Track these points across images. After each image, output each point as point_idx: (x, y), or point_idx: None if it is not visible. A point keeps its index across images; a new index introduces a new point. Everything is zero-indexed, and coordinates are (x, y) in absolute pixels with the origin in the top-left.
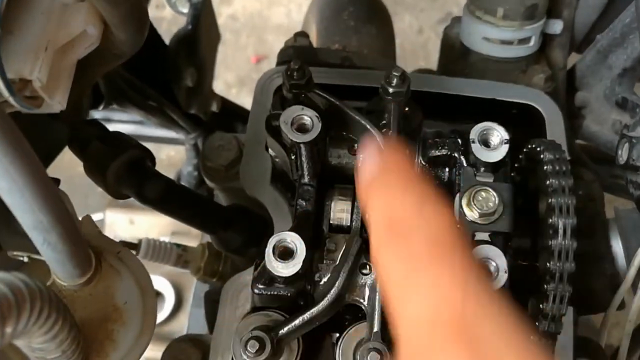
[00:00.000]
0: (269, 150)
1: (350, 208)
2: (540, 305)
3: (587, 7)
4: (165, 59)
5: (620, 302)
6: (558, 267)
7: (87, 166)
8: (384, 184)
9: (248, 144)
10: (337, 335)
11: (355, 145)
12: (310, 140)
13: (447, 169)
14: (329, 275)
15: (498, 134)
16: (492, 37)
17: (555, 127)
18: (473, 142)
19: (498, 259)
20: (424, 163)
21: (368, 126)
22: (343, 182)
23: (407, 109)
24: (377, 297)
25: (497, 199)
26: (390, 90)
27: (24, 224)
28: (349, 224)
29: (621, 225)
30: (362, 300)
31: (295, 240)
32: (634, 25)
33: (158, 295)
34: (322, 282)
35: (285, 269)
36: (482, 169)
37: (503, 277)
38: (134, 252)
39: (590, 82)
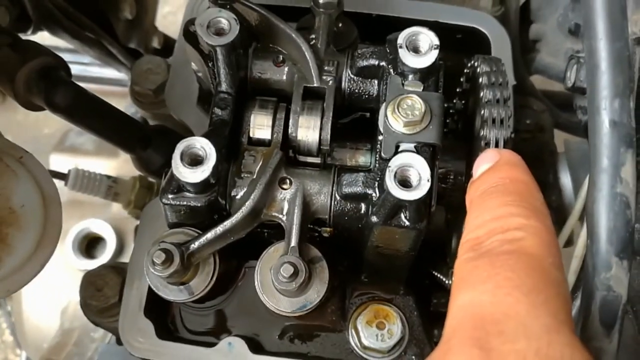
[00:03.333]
0: (192, 65)
1: (271, 122)
2: None
3: None
4: None
5: (568, 238)
6: None
7: None
8: (491, 199)
9: (174, 65)
10: None
11: (281, 57)
12: (227, 44)
13: (376, 82)
14: (245, 189)
15: (427, 39)
16: None
17: (501, 51)
18: (400, 47)
19: (420, 167)
20: (352, 76)
21: (294, 35)
22: (266, 95)
23: (340, 25)
24: (295, 212)
25: (423, 107)
26: (321, 1)
27: None
28: (269, 138)
29: (570, 156)
30: (281, 216)
31: (205, 146)
32: None
33: (100, 240)
34: (238, 197)
35: (192, 175)
36: (411, 77)
37: (425, 185)
38: (62, 182)
39: (545, 14)
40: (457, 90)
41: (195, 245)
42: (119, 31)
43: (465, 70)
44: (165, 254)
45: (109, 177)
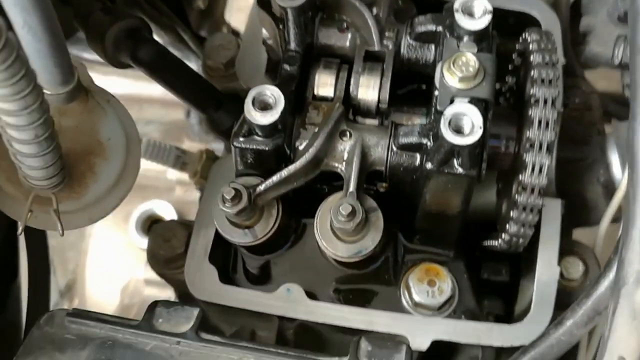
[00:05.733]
0: (263, 32)
1: (334, 81)
2: (520, 176)
3: None
4: None
5: (616, 213)
6: (537, 135)
7: (88, 37)
8: None
9: (245, 38)
10: None
11: (345, 24)
12: (297, 6)
13: (432, 47)
14: (308, 140)
15: (481, 5)
16: None
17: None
18: (457, 11)
19: (473, 115)
20: (410, 42)
21: (357, 4)
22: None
23: (400, 3)
24: (354, 161)
25: (477, 63)
26: None
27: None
28: (332, 96)
29: (618, 135)
30: (340, 166)
31: (274, 93)
32: None
33: (162, 221)
34: (302, 147)
35: (263, 118)
36: (466, 39)
37: (478, 132)
38: None
39: (595, 7)
40: (509, 67)
41: (262, 187)
42: (192, 19)
43: (516, 46)
44: (235, 191)
45: (177, 147)
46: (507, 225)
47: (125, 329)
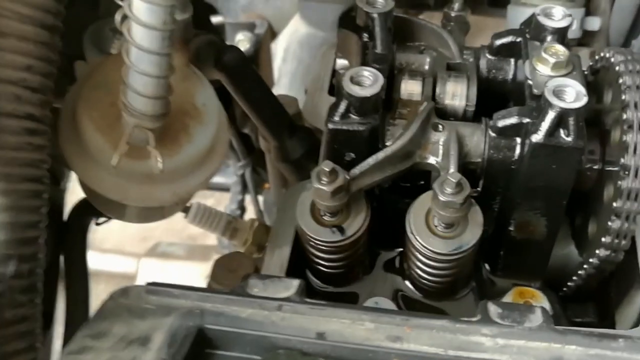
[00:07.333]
0: (336, 62)
1: (420, 88)
2: (619, 183)
3: (621, 11)
4: None
5: None
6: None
7: None
8: None
9: (312, 85)
10: None
11: (422, 47)
12: (384, 12)
13: (512, 61)
14: (400, 132)
15: (560, 10)
16: None
17: None
18: (538, 15)
19: (576, 86)
20: (490, 57)
21: (434, 27)
22: None
23: None
24: (451, 149)
25: (567, 53)
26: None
27: None
28: (419, 99)
29: None
30: (436, 158)
31: (372, 72)
32: None
33: None
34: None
35: (363, 91)
36: (549, 38)
37: (583, 99)
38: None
39: None
40: None
41: (356, 170)
42: (237, 114)
43: (590, 66)
44: (332, 168)
45: (228, 214)
46: (602, 239)
47: (215, 296)
